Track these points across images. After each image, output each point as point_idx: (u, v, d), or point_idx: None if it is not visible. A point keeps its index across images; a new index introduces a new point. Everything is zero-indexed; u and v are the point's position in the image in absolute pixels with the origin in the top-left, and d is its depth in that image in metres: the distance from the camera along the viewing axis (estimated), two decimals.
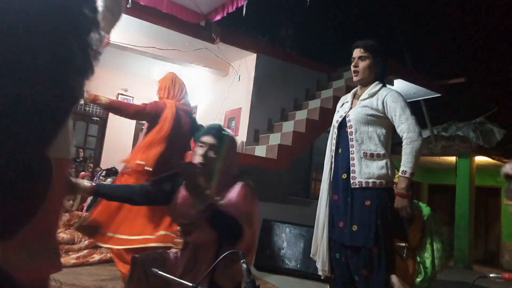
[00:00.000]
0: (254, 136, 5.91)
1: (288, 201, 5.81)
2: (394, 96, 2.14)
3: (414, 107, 7.61)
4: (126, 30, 5.56)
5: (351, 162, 2.12)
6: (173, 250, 1.76)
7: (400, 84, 6.41)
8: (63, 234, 3.50)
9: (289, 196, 5.94)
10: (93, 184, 1.69)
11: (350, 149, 2.14)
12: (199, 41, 5.71)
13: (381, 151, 2.10)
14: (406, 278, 2.72)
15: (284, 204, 5.57)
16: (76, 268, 3.18)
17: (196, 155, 1.73)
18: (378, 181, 2.05)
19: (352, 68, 2.24)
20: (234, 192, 1.65)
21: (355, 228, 2.02)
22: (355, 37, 2.36)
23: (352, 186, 2.08)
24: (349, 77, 6.10)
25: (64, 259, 3.23)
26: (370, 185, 2.05)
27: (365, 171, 2.07)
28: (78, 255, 3.35)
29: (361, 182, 2.06)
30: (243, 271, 0.92)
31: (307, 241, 4.16)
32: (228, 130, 1.83)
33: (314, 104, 5.92)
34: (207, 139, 1.73)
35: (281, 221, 4.48)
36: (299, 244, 4.21)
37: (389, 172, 2.08)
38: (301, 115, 5.80)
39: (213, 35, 5.70)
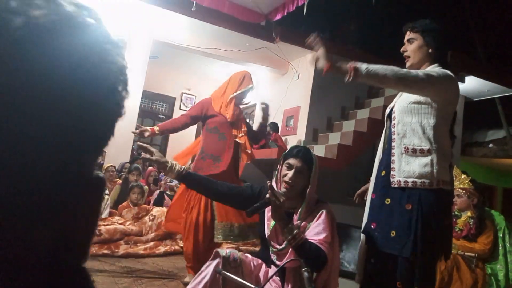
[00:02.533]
0: (313, 135, 5.87)
1: (347, 202, 5.69)
2: (436, 69, 1.85)
3: (488, 105, 7.08)
4: (190, 32, 5.78)
5: (391, 158, 1.89)
6: (249, 256, 1.81)
7: (472, 81, 5.97)
8: (132, 226, 3.75)
9: (348, 197, 5.82)
10: (184, 169, 1.82)
11: (392, 144, 1.91)
12: (259, 40, 5.78)
13: (426, 146, 1.79)
14: None
15: (342, 205, 5.46)
16: (144, 258, 3.40)
17: (283, 176, 1.78)
18: (419, 180, 1.77)
19: (404, 53, 2.01)
20: (321, 223, 1.71)
21: (393, 234, 1.81)
22: None
23: (391, 185, 1.85)
24: None
25: (132, 250, 3.47)
26: (410, 185, 1.78)
27: (404, 168, 1.82)
28: (145, 246, 3.57)
29: (400, 181, 1.82)
30: (304, 279, 0.94)
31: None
32: (313, 153, 1.87)
33: (377, 102, 5.73)
34: (295, 162, 1.77)
35: (340, 223, 4.41)
36: (358, 247, 4.11)
37: (435, 170, 1.76)
38: (363, 114, 5.64)
39: (273, 34, 5.74)
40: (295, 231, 1.62)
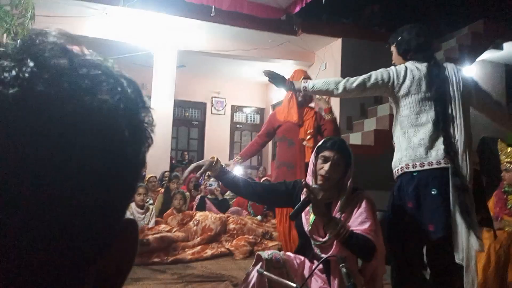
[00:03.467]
0: (347, 124, 5.76)
1: (390, 187, 5.55)
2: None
3: None
4: (212, 37, 5.85)
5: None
6: (291, 254, 1.81)
7: (511, 48, 5.62)
8: (178, 233, 3.86)
9: (391, 182, 5.67)
10: (223, 166, 1.88)
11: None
12: (282, 35, 5.75)
13: None
14: None
15: (386, 192, 5.33)
16: (192, 263, 3.49)
17: (319, 170, 1.75)
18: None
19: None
20: (363, 212, 1.69)
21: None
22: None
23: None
24: (447, 48, 5.56)
25: (181, 256, 3.57)
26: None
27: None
28: (192, 251, 3.66)
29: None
30: (342, 275, 0.93)
31: None
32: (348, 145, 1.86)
33: None
34: (331, 154, 1.73)
35: (384, 211, 4.31)
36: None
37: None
38: None
39: (294, 27, 5.69)
40: (339, 225, 1.60)
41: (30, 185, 0.26)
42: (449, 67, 1.98)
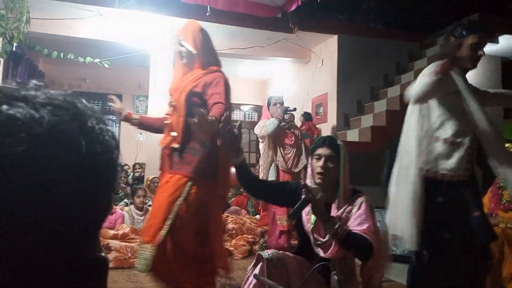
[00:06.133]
0: (345, 121, 5.77)
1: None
2: None
3: None
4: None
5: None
6: (290, 254, 1.84)
7: (506, 40, 5.63)
8: None
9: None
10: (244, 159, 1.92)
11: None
12: (278, 33, 5.74)
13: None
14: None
15: (384, 188, 5.35)
16: None
17: (314, 167, 1.81)
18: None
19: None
20: (362, 213, 1.73)
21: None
22: None
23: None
24: (442, 42, 5.56)
25: None
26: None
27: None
28: None
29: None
30: (334, 282, 0.95)
31: None
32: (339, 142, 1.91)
33: (406, 78, 5.54)
34: (323, 150, 1.80)
35: (383, 207, 4.34)
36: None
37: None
38: (394, 91, 5.47)
39: (290, 25, 5.68)
40: (337, 224, 1.64)
41: None
42: None
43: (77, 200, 0.31)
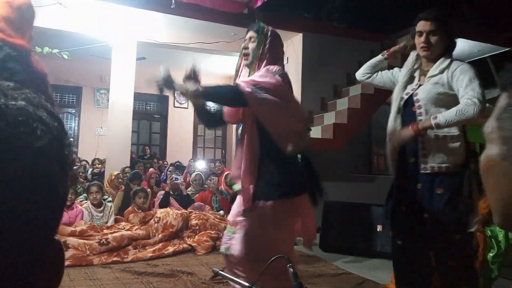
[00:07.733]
0: (308, 118, 5.87)
1: (350, 178, 5.74)
2: (465, 68, 1.97)
3: (480, 65, 7.01)
4: (173, 30, 5.75)
5: (420, 145, 2.02)
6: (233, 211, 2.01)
7: (461, 43, 5.92)
8: (139, 231, 3.81)
9: (351, 174, 5.86)
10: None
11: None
12: (244, 29, 5.71)
13: (455, 132, 1.97)
14: (476, 253, 2.61)
15: (346, 182, 5.51)
16: (153, 260, 3.47)
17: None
18: (451, 165, 1.96)
19: (421, 44, 2.06)
20: (258, 74, 1.89)
21: (426, 215, 2.00)
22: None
23: (422, 170, 2.01)
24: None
25: (141, 254, 3.53)
26: (444, 170, 1.97)
27: (438, 154, 1.98)
28: (154, 248, 3.64)
29: (433, 167, 1.99)
30: (289, 275, 0.97)
31: (372, 219, 4.11)
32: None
33: None
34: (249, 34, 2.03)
35: (343, 202, 4.47)
36: (364, 223, 4.17)
37: (464, 154, 1.98)
38: (355, 90, 5.63)
39: (256, 21, 5.68)
40: (189, 90, 1.80)
41: None
42: None
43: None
